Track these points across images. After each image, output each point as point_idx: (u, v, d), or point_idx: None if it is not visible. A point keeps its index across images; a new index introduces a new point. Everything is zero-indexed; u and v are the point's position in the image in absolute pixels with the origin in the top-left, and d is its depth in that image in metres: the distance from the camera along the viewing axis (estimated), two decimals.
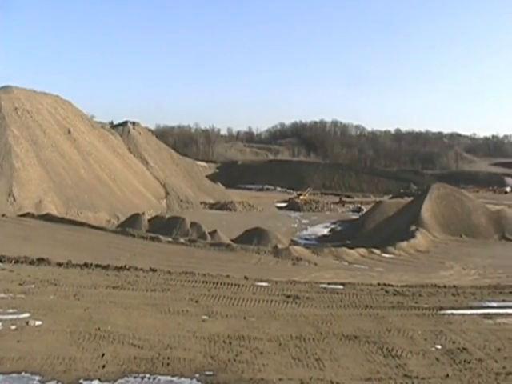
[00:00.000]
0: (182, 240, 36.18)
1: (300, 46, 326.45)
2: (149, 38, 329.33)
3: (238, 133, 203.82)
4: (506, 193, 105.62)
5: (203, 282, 12.84)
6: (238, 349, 8.01)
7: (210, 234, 41.09)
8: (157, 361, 7.17)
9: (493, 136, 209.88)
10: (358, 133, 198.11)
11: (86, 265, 14.61)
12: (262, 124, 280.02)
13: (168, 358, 7.28)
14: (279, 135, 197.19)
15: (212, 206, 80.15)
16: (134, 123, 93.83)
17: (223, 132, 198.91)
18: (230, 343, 8.24)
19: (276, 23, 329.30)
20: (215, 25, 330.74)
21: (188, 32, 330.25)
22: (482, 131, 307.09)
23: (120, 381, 6.43)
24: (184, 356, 7.41)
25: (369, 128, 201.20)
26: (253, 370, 7.14)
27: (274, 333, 8.99)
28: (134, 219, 46.35)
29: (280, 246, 35.92)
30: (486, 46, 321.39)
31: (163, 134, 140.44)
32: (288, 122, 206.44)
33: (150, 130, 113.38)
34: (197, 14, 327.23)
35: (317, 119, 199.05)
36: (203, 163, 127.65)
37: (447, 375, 7.52)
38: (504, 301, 12.80)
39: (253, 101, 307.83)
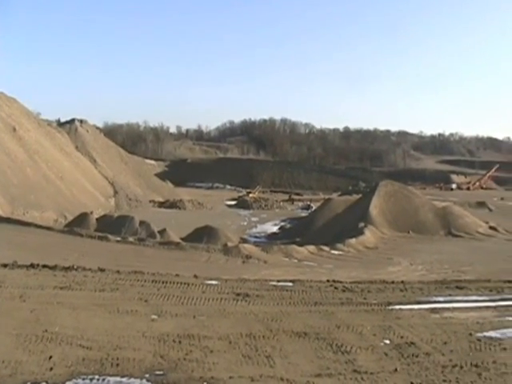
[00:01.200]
0: (130, 239, 35.86)
1: (247, 44, 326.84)
2: (95, 34, 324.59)
3: (188, 131, 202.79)
4: (451, 189, 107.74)
5: (152, 282, 12.75)
6: (188, 348, 7.99)
7: (159, 232, 40.82)
8: (106, 361, 7.09)
9: (439, 134, 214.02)
10: (307, 131, 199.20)
11: (32, 265, 14.30)
12: (211, 122, 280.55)
13: (117, 359, 7.20)
14: (229, 133, 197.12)
15: (161, 205, 79.63)
16: (81, 121, 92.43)
17: (172, 130, 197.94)
18: (179, 342, 8.21)
19: (223, 20, 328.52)
20: (162, 21, 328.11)
21: (134, 28, 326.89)
22: (429, 129, 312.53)
23: (68, 383, 6.34)
24: (133, 356, 7.36)
25: (318, 126, 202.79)
26: (203, 368, 7.13)
27: (224, 331, 8.99)
28: (81, 218, 45.69)
29: (230, 244, 35.94)
30: (430, 43, 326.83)
31: (111, 132, 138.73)
32: (237, 120, 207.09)
33: (97, 127, 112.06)
34: (143, 10, 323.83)
35: (266, 117, 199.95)
36: (152, 161, 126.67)
37: (396, 369, 7.64)
38: (450, 295, 13.05)
39: (202, 99, 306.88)
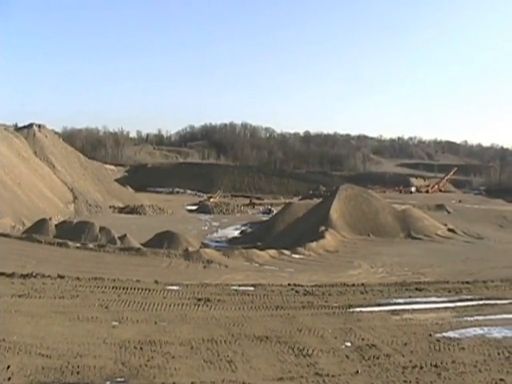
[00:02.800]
0: (90, 245, 35.42)
1: (208, 50, 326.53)
2: (51, 38, 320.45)
3: (148, 135, 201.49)
4: (411, 192, 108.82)
5: (113, 288, 12.64)
6: (150, 354, 7.95)
7: (119, 238, 40.45)
8: (66, 370, 7.01)
9: (398, 138, 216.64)
10: (268, 135, 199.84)
11: None
12: (171, 126, 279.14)
13: (77, 367, 7.13)
14: (189, 138, 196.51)
15: (121, 210, 79.02)
16: (39, 126, 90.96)
17: (132, 135, 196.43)
18: (141, 349, 8.17)
19: (184, 27, 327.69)
20: (120, 27, 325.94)
21: (93, 33, 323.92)
22: (389, 133, 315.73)
23: None
24: (94, 363, 7.29)
25: (278, 130, 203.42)
26: (165, 374, 7.11)
27: (186, 336, 8.96)
28: (40, 225, 45.01)
29: (191, 249, 35.76)
30: (388, 47, 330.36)
31: (70, 137, 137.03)
32: (198, 124, 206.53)
33: (56, 132, 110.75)
34: (102, 15, 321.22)
35: (227, 122, 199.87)
36: (112, 166, 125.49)
37: (357, 371, 7.71)
38: (410, 297, 13.22)
39: (162, 103, 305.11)
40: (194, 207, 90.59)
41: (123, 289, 12.58)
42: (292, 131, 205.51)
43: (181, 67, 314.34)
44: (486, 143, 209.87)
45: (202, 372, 7.36)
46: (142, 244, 39.75)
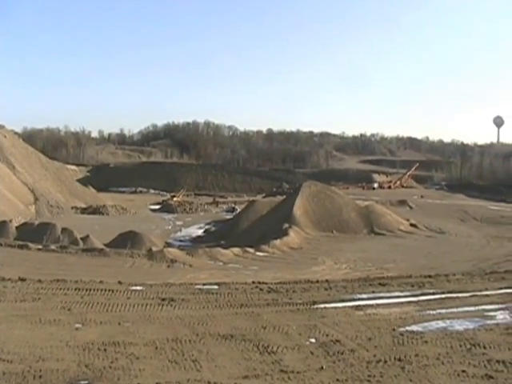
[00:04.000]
0: (52, 247, 35.00)
1: (169, 48, 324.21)
2: (15, 37, 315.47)
3: (110, 135, 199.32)
4: (373, 189, 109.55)
5: (76, 289, 12.52)
6: (114, 355, 7.89)
7: (82, 239, 40.04)
8: (28, 374, 6.92)
9: (361, 134, 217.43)
10: (231, 133, 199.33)
11: None
12: (134, 125, 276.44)
13: (40, 371, 7.04)
14: (152, 137, 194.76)
15: (84, 211, 78.09)
16: None
17: (94, 134, 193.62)
18: (104, 350, 8.10)
19: (145, 26, 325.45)
20: (84, 25, 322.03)
21: (52, 30, 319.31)
22: (351, 130, 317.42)
23: None
24: (57, 367, 7.20)
25: (241, 128, 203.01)
26: (129, 375, 7.06)
27: (150, 337, 8.92)
28: (0, 227, 44.38)
29: (154, 249, 35.55)
30: (352, 43, 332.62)
31: (31, 138, 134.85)
32: (160, 123, 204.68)
33: (16, 133, 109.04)
34: (66, 16, 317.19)
35: (190, 120, 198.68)
36: (74, 167, 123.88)
37: (322, 367, 7.75)
38: (373, 292, 13.34)
39: (124, 102, 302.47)
40: (158, 206, 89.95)
41: (86, 290, 12.47)
42: (255, 129, 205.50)
43: (143, 66, 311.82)
44: (447, 139, 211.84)
45: (167, 372, 7.33)
46: (105, 244, 39.41)
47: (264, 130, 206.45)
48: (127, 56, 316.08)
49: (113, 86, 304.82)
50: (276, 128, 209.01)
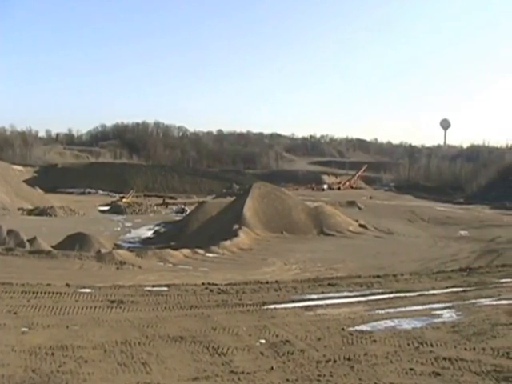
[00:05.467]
0: None
1: (119, 47, 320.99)
2: None
3: (58, 135, 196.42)
4: (323, 190, 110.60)
5: (22, 293, 12.27)
6: (62, 359, 7.75)
7: (28, 241, 39.28)
8: None
9: (311, 136, 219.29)
10: (181, 134, 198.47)
11: None
12: (82, 126, 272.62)
13: None
14: (101, 137, 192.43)
15: (31, 212, 76.72)
16: None
17: (41, 134, 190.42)
18: (52, 354, 7.95)
19: (96, 24, 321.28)
20: (32, 24, 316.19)
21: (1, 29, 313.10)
22: (301, 131, 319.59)
23: None
24: (2, 372, 7.03)
25: (191, 129, 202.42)
26: (77, 379, 6.96)
27: (99, 340, 8.81)
28: None
29: (103, 251, 35.19)
30: (300, 45, 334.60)
31: None
32: (110, 123, 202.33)
33: None
34: (12, 12, 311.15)
35: (139, 121, 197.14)
36: (20, 167, 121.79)
37: (272, 368, 7.77)
38: (323, 293, 13.45)
39: (73, 102, 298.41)
40: (107, 208, 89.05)
41: (33, 293, 12.24)
42: (205, 130, 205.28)
43: (91, 65, 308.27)
44: (395, 141, 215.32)
45: (116, 375, 7.25)
46: (53, 246, 38.77)
47: (214, 130, 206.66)
48: (75, 55, 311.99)
49: (61, 85, 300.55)
50: (226, 129, 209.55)
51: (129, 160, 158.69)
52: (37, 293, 12.27)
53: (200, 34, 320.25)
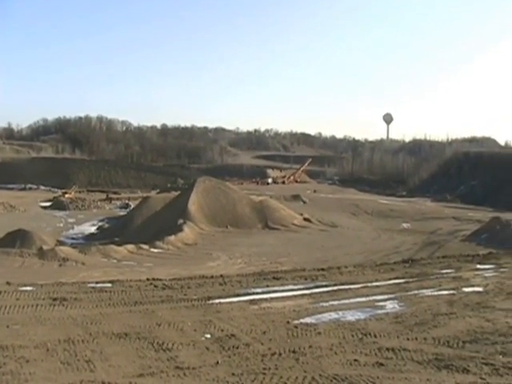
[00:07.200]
0: None
1: (63, 43, 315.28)
2: None
3: None
4: (268, 184, 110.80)
5: None
6: (2, 360, 7.59)
7: None
8: None
9: (255, 130, 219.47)
10: (124, 128, 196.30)
11: None
12: (22, 120, 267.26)
13: None
14: (42, 131, 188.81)
15: None
16: None
17: None
18: None
19: (28, 20, 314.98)
20: None
21: None
22: (245, 126, 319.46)
23: None
24: None
25: (135, 123, 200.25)
26: (19, 380, 6.83)
27: (41, 339, 8.66)
28: None
29: (45, 248, 34.55)
30: (244, 41, 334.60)
31: None
32: (51, 117, 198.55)
33: None
34: None
35: (82, 115, 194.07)
36: None
37: (217, 362, 7.80)
38: (268, 286, 13.53)
39: (12, 95, 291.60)
40: (48, 204, 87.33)
41: None
42: (149, 124, 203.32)
43: (31, 58, 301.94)
44: (339, 135, 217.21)
45: (59, 374, 7.14)
46: None
47: (158, 125, 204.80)
48: (15, 48, 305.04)
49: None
50: (170, 123, 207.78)
51: (71, 155, 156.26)
52: None
53: (143, 29, 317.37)
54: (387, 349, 8.51)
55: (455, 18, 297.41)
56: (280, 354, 8.18)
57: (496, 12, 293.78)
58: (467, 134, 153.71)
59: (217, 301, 11.67)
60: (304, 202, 70.01)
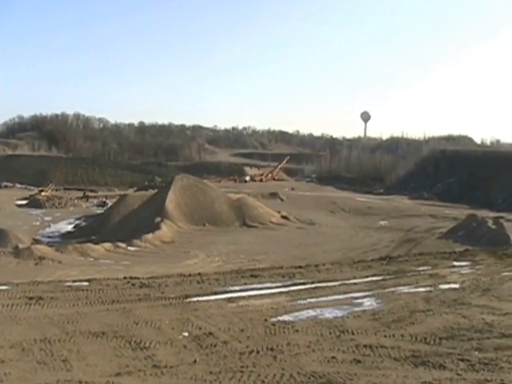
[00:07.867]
0: None
1: (34, 39, 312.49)
2: None
3: None
4: (245, 181, 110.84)
5: None
6: None
7: None
8: None
9: (233, 128, 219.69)
10: (102, 126, 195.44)
11: None
12: None
13: None
14: (18, 128, 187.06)
15: None
16: None
17: None
18: None
19: (8, 15, 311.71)
20: None
21: None
22: (223, 123, 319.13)
23: None
24: None
25: (112, 121, 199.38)
26: None
27: (17, 338, 8.59)
28: None
29: (21, 246, 34.24)
30: (224, 39, 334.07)
31: None
32: (27, 114, 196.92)
33: None
34: None
35: (58, 112, 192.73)
36: None
37: (195, 361, 7.78)
38: (245, 284, 13.54)
39: None
40: (25, 202, 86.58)
41: None
42: (126, 122, 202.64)
43: (7, 54, 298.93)
44: (316, 133, 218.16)
45: (35, 374, 7.09)
46: None
47: (136, 122, 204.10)
48: None
49: None
50: (148, 121, 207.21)
51: (48, 152, 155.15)
52: None
53: (123, 26, 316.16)
54: (365, 346, 8.56)
55: (433, 17, 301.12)
56: (258, 352, 8.18)
57: (474, 13, 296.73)
58: (444, 132, 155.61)
59: (194, 299, 11.65)
60: (282, 200, 70.07)
